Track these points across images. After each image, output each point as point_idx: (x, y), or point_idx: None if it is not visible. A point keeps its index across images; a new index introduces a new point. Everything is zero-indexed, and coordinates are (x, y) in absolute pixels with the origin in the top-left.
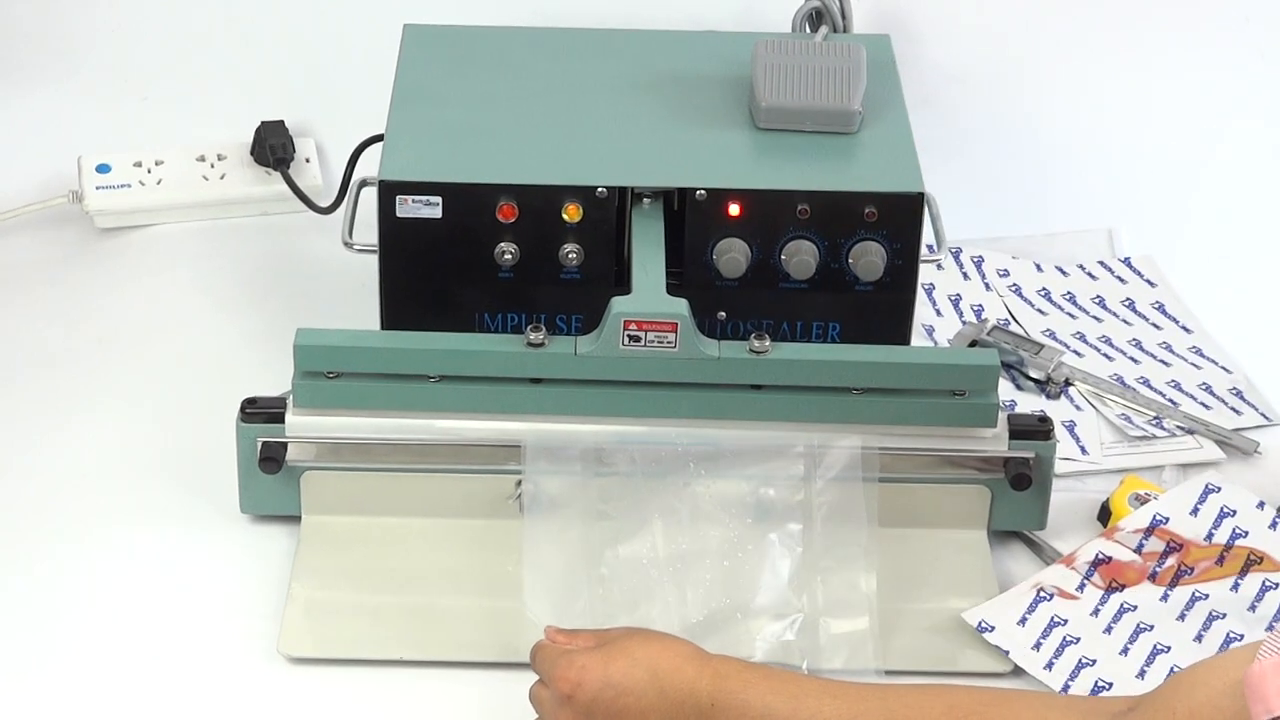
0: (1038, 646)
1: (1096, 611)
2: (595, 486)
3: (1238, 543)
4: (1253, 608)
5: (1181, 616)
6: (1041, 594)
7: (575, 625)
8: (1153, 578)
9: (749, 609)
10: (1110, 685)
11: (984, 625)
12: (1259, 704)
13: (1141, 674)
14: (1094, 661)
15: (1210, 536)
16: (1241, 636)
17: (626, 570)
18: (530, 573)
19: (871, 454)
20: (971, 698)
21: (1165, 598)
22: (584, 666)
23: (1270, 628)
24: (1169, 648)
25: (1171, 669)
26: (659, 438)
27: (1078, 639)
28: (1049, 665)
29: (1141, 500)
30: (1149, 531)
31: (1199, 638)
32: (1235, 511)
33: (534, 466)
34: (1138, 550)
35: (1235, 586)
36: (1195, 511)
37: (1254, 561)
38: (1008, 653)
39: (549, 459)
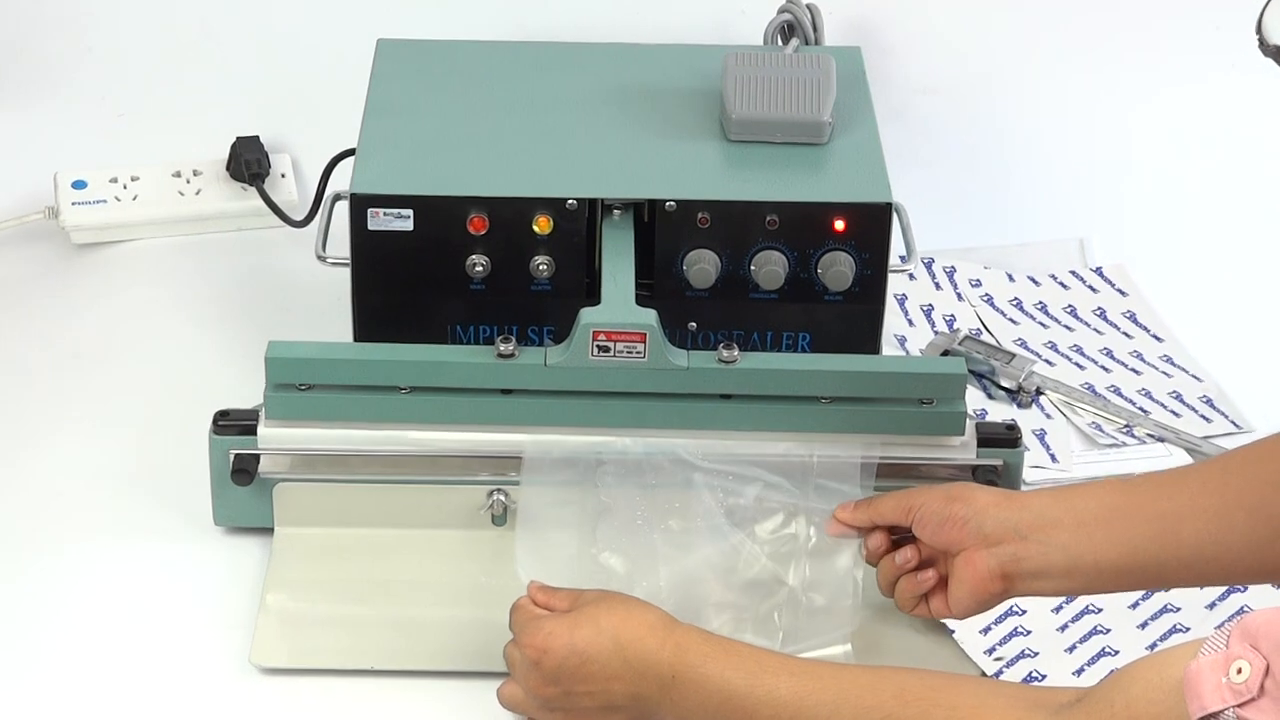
0: (986, 631)
1: (1059, 609)
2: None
3: None
4: (1212, 605)
5: (1144, 625)
6: None
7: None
8: None
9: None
10: (1044, 677)
11: None
12: (1194, 701)
13: (1079, 671)
14: (1036, 654)
15: None
16: None
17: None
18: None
19: (870, 464)
20: (922, 682)
21: (1135, 605)
22: (550, 633)
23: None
24: (1117, 651)
25: (1112, 672)
26: (653, 448)
27: (1029, 631)
28: (990, 650)
29: None
30: None
31: (1152, 646)
32: None
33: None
34: None
35: (1213, 605)
36: None
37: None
38: (953, 632)
39: (547, 469)
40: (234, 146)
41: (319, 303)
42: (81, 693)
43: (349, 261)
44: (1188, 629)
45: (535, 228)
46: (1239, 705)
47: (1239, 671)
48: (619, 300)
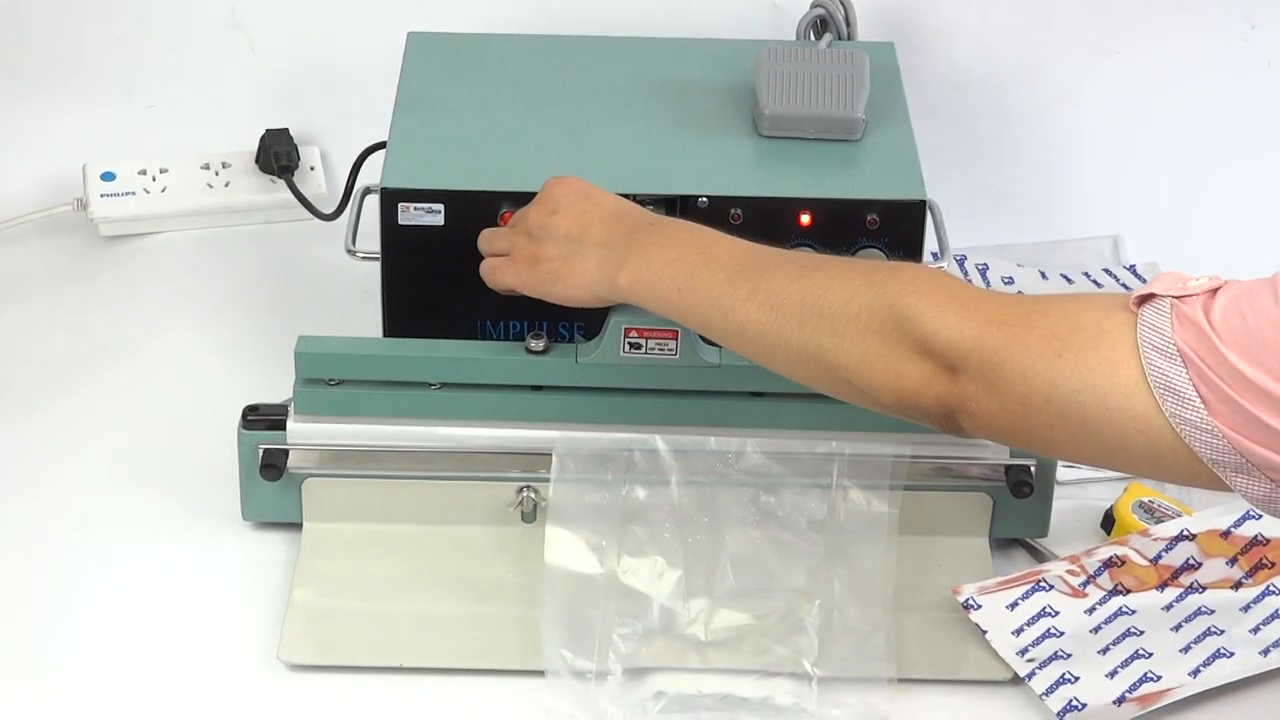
0: (1019, 632)
1: (1092, 610)
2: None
3: (1256, 547)
4: (1247, 608)
5: (1178, 627)
6: (1041, 584)
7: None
8: (1161, 588)
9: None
10: (1078, 679)
11: (971, 603)
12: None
13: (1113, 674)
14: (1070, 655)
15: (1228, 534)
16: (1232, 654)
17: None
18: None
19: (901, 462)
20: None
21: (1169, 608)
22: (571, 176)
23: (1266, 652)
24: (1151, 654)
25: (1145, 675)
26: (685, 445)
27: (1062, 633)
28: (1023, 652)
29: (1145, 508)
30: (1172, 543)
31: (1186, 649)
32: (1268, 541)
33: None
34: (1154, 560)
35: (1238, 585)
36: (1227, 534)
37: (1265, 565)
38: (985, 633)
39: (578, 465)
40: (263, 139)
41: (347, 295)
42: (108, 688)
43: (379, 256)
44: (1222, 631)
45: None
46: (1178, 297)
47: (1195, 279)
48: None
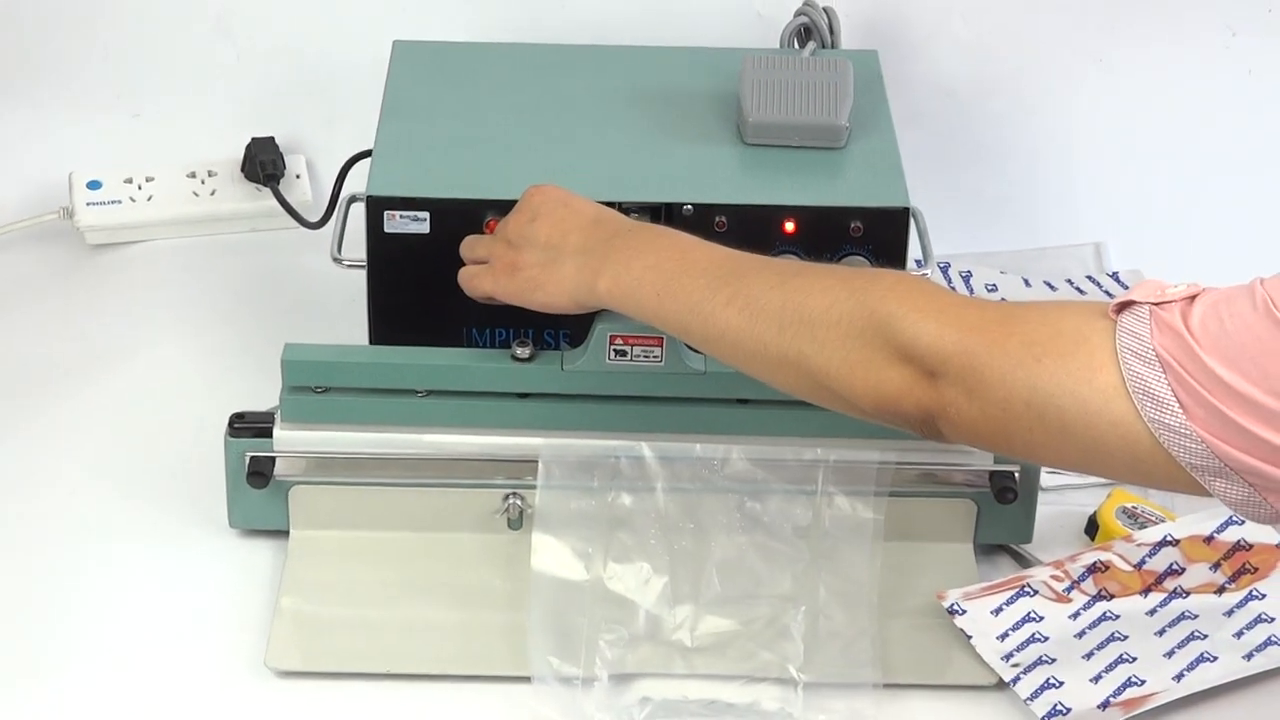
0: (1003, 637)
1: (1076, 615)
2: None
3: (1239, 552)
4: (1230, 613)
5: (1161, 632)
6: (1026, 589)
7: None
8: (1145, 593)
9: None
10: (1062, 684)
11: (956, 608)
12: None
13: (1097, 678)
14: (1054, 660)
15: (1211, 539)
16: (1216, 659)
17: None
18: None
19: (886, 469)
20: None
21: (1152, 612)
22: (550, 184)
23: (1249, 656)
24: (1135, 658)
25: (1129, 679)
26: (670, 452)
27: (1046, 638)
28: (1008, 656)
29: (1129, 513)
30: (1156, 548)
31: (1170, 654)
32: (1251, 546)
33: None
34: (1138, 565)
35: (1221, 590)
36: (1211, 540)
37: (1248, 570)
38: (970, 638)
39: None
40: (249, 147)
41: (334, 305)
42: (96, 696)
43: (364, 264)
44: (1205, 636)
45: None
46: (1157, 304)
47: (1174, 287)
48: None
